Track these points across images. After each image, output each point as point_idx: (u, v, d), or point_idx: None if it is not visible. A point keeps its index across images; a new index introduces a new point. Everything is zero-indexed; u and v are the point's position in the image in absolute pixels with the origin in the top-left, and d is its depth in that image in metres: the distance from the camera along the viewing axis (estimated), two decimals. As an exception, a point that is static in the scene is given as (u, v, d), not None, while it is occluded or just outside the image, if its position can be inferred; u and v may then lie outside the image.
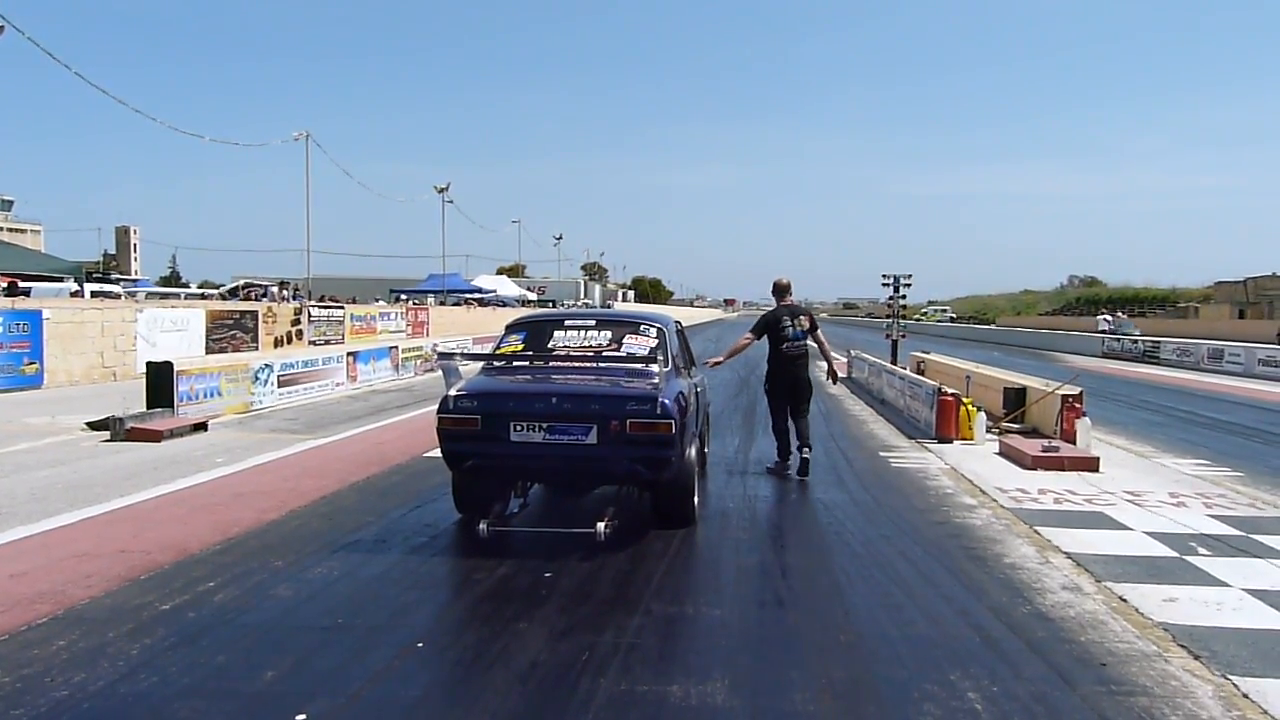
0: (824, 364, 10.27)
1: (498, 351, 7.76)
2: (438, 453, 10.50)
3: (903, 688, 4.24)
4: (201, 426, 12.10)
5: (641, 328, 7.91)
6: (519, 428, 6.37)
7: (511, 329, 8.17)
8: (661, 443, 6.39)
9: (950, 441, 11.90)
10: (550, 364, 7.43)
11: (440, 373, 7.23)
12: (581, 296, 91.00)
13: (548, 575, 5.86)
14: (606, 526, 6.39)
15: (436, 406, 6.75)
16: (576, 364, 7.37)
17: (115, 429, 11.26)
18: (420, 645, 4.70)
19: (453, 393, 6.63)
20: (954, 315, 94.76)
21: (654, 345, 7.59)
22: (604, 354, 7.52)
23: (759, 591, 5.73)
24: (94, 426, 11.74)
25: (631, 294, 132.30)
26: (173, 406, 12.34)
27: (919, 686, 4.23)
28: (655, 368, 7.01)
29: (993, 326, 73.77)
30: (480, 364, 7.81)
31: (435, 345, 23.98)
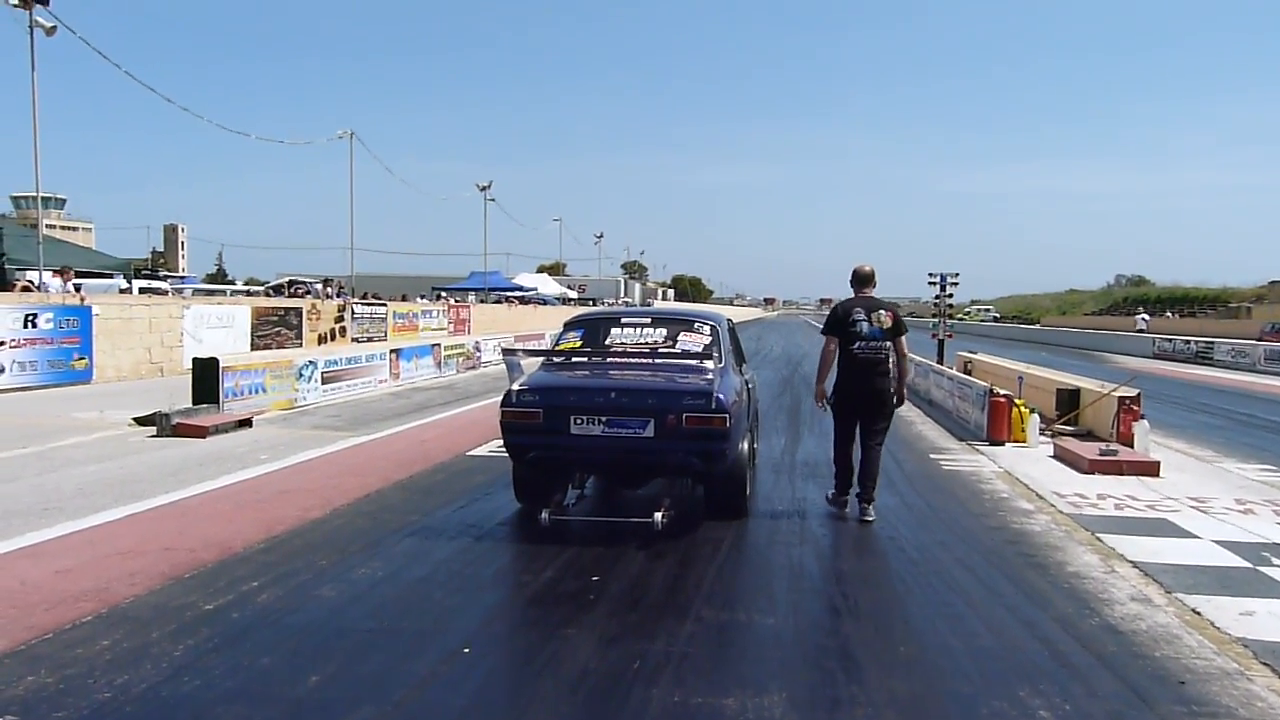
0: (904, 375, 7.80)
1: (557, 348, 8.00)
2: (481, 451, 10.60)
3: (969, 704, 4.04)
4: (246, 423, 12.10)
5: (695, 325, 8.09)
6: (579, 421, 6.58)
7: (570, 326, 8.44)
8: (716, 436, 6.56)
9: (1002, 444, 11.62)
10: (608, 360, 7.67)
11: (504, 367, 7.43)
12: (622, 295, 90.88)
13: (595, 579, 5.72)
14: (664, 516, 6.55)
15: (500, 400, 6.93)
16: (633, 360, 7.59)
17: (161, 425, 11.29)
18: (466, 650, 4.57)
19: (516, 387, 6.85)
20: (997, 315, 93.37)
21: (708, 342, 7.76)
22: (660, 350, 7.72)
23: (813, 599, 5.56)
24: (140, 422, 11.78)
25: (671, 293, 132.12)
26: (218, 402, 12.36)
27: (987, 703, 4.03)
28: (710, 364, 7.24)
29: (1038, 326, 72.59)
30: (537, 359, 7.93)
31: (477, 343, 23.97)
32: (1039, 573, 6.10)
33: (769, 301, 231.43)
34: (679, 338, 7.86)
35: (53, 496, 7.84)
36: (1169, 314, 69.09)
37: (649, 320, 8.24)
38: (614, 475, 7.52)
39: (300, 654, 4.48)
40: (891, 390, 7.54)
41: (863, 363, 7.45)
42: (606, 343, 7.92)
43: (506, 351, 7.44)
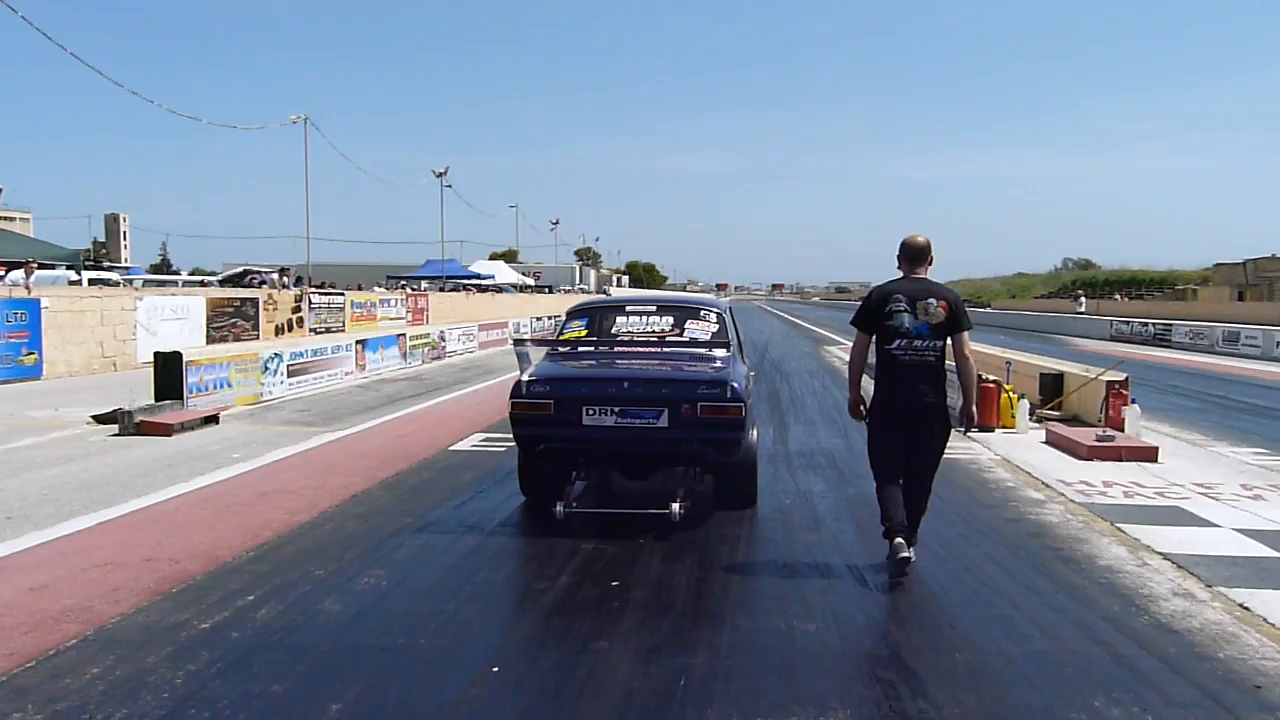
0: (970, 390, 5.78)
1: (561, 337, 7.85)
2: (464, 445, 10.20)
3: (1045, 717, 3.78)
4: (212, 419, 11.57)
5: (702, 313, 8.05)
6: (591, 412, 6.39)
7: (574, 315, 8.32)
8: (731, 425, 6.43)
9: (992, 430, 11.43)
10: (615, 349, 7.52)
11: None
12: (577, 282, 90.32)
13: (615, 584, 5.40)
14: (681, 507, 6.41)
15: (510, 391, 6.66)
16: (641, 349, 7.45)
17: (124, 423, 10.72)
18: (496, 670, 4.22)
19: (525, 378, 6.61)
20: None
21: (716, 330, 7.75)
22: (667, 339, 7.65)
23: (849, 602, 5.25)
24: (100, 420, 11.21)
25: (625, 279, 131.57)
26: (182, 399, 11.80)
27: (1063, 715, 3.77)
28: (720, 352, 7.25)
29: (989, 310, 73.26)
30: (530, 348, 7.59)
31: (442, 333, 23.43)
32: (1072, 568, 5.88)
33: (721, 287, 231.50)
34: (686, 325, 7.79)
35: (15, 503, 7.32)
36: (1117, 296, 70.18)
37: (654, 308, 8.13)
38: (625, 466, 7.24)
39: (314, 679, 4.10)
40: (946, 406, 5.66)
41: (904, 369, 5.56)
42: (613, 331, 7.80)
43: (516, 342, 7.33)
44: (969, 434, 5.68)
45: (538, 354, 7.24)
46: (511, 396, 6.58)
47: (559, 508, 6.39)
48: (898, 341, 5.57)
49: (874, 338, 5.72)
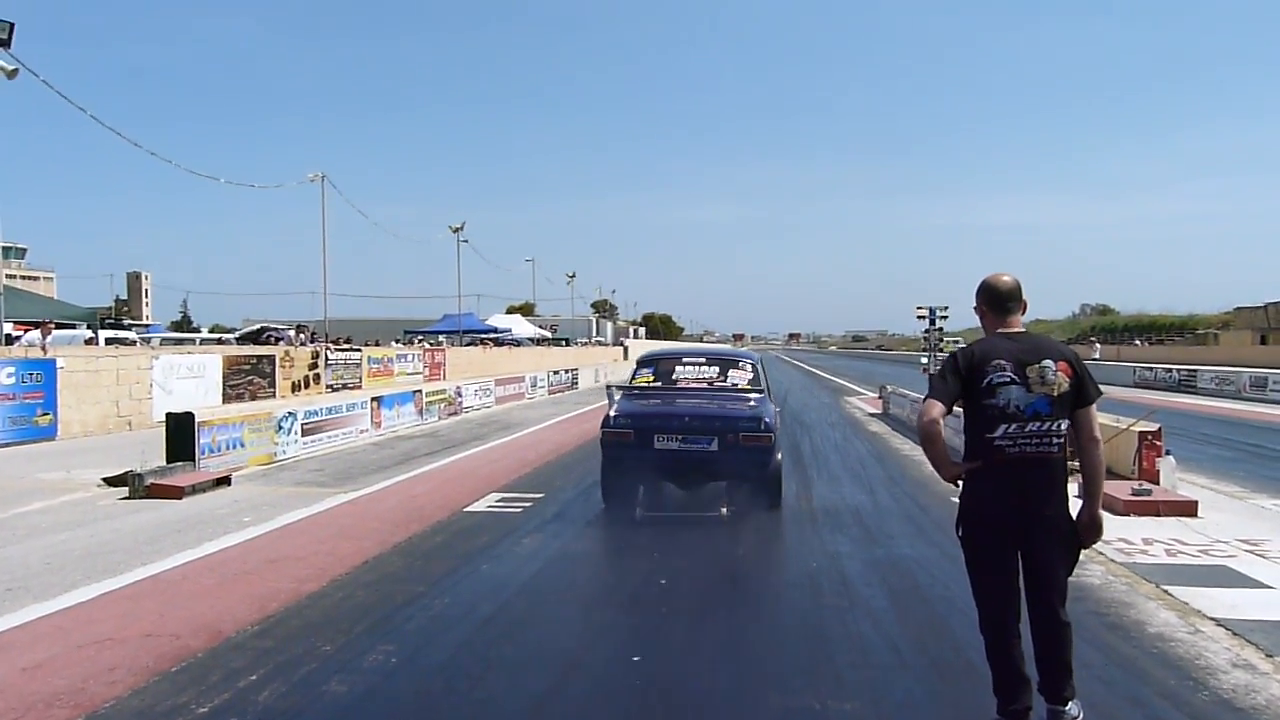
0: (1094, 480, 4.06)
1: (634, 382, 10.18)
2: (479, 506, 9.98)
3: (1109, 812, 3.47)
4: (224, 481, 11.36)
5: (740, 363, 10.26)
6: (661, 439, 8.73)
7: (642, 364, 10.68)
8: (764, 450, 8.84)
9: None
10: (675, 390, 9.79)
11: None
12: (594, 334, 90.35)
13: (636, 659, 5.11)
14: (727, 510, 8.96)
15: (600, 422, 9.23)
16: (695, 391, 9.75)
17: (134, 485, 10.52)
18: (511, 760, 3.94)
19: (613, 413, 9.06)
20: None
21: (751, 377, 9.88)
22: (715, 384, 9.86)
23: (884, 677, 4.95)
24: (111, 482, 11.02)
25: (643, 331, 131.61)
26: (194, 460, 11.59)
27: (1129, 810, 3.46)
28: (754, 395, 9.54)
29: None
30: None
31: (458, 389, 23.24)
32: (1120, 635, 5.56)
33: (738, 338, 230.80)
34: (729, 374, 9.96)
35: (18, 572, 7.10)
36: (1137, 342, 69.65)
37: (704, 360, 10.41)
38: (686, 480, 9.26)
39: (316, 771, 3.83)
40: (1070, 516, 4.01)
41: (1015, 465, 3.88)
42: (674, 378, 10.03)
43: (608, 387, 9.94)
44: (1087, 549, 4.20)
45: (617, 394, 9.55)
46: (603, 426, 9.02)
47: (638, 512, 8.75)
48: (1003, 428, 3.87)
49: (966, 423, 4.04)
